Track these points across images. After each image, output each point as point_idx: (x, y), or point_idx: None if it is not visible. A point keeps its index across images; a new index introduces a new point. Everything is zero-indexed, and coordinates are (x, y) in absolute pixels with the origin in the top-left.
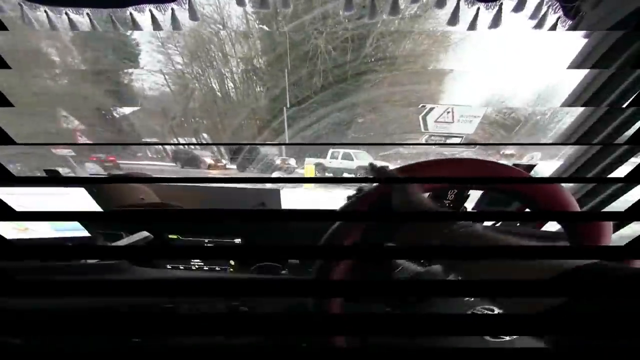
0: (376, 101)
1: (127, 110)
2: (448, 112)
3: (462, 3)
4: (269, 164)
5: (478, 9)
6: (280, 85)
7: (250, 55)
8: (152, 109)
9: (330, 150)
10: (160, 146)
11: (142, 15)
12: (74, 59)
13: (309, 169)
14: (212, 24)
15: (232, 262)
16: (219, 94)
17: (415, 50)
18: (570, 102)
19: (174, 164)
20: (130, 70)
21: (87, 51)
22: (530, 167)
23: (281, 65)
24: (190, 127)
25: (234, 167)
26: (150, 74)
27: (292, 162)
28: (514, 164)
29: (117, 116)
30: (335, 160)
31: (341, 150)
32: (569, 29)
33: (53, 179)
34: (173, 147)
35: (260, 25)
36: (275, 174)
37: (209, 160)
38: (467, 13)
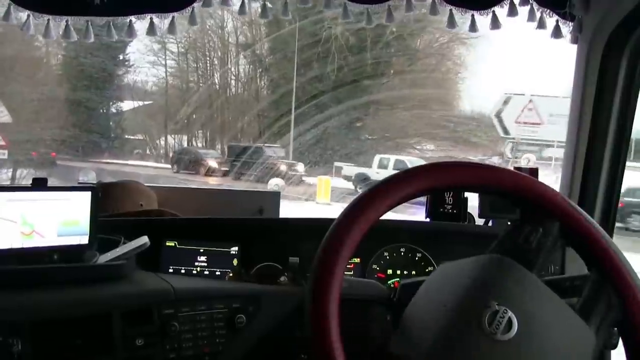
0: (395, 97)
1: (120, 105)
2: (530, 109)
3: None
4: (271, 169)
5: (473, 15)
6: (288, 78)
7: (254, 43)
8: (148, 104)
9: (378, 157)
10: (158, 145)
11: (141, 22)
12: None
13: (323, 182)
14: (212, 10)
15: (234, 263)
16: (217, 87)
17: (435, 42)
18: (575, 102)
19: (169, 166)
20: (123, 61)
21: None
22: (534, 171)
23: (289, 55)
24: (186, 125)
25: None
26: (145, 66)
27: (300, 167)
28: (515, 168)
29: (109, 112)
30: (384, 170)
31: (392, 157)
32: (572, 30)
33: None
34: (173, 147)
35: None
36: (273, 181)
37: (212, 164)
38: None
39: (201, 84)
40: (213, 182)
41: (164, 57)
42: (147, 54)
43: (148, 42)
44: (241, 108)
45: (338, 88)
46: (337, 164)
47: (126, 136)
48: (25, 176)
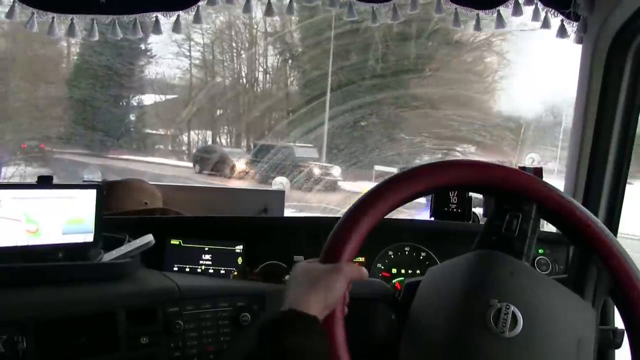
0: (433, 94)
1: (141, 98)
2: None
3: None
4: (303, 172)
5: (478, 14)
6: (321, 70)
7: (284, 32)
8: (171, 98)
9: None
10: (180, 141)
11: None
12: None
13: None
14: None
15: (238, 262)
16: (244, 80)
17: (477, 37)
18: (580, 102)
19: (190, 165)
20: (144, 51)
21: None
22: (538, 170)
23: (324, 44)
24: (211, 120)
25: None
26: (168, 57)
27: (336, 171)
28: (520, 167)
29: (129, 105)
30: None
31: None
32: (577, 30)
33: None
34: (196, 143)
35: None
36: (278, 179)
37: (239, 164)
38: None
39: (227, 77)
40: (241, 183)
41: (188, 48)
42: (170, 45)
43: (174, 34)
44: (269, 102)
45: (377, 81)
46: (377, 167)
47: (147, 130)
48: (13, 176)
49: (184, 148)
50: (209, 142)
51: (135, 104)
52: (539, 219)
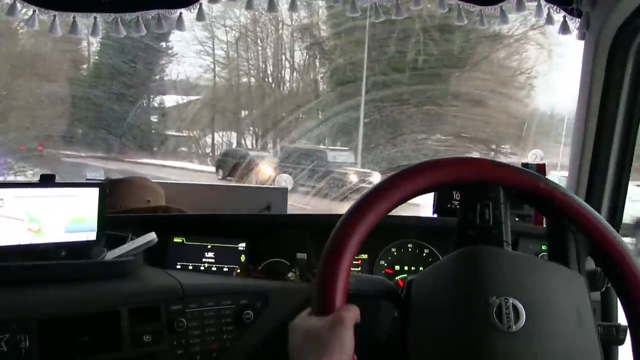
0: (474, 91)
1: (163, 98)
2: None
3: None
4: (339, 179)
5: (481, 10)
6: (355, 64)
7: (312, 24)
8: (194, 98)
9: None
10: (204, 143)
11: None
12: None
13: None
14: None
15: (241, 259)
16: (270, 78)
17: (516, 29)
18: (582, 99)
19: (213, 170)
20: (166, 49)
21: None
22: (541, 167)
23: (357, 36)
24: (234, 119)
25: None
26: (191, 55)
27: (375, 178)
28: (523, 164)
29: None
30: None
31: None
32: (580, 26)
33: None
34: (220, 146)
35: None
36: (282, 177)
37: (266, 170)
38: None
39: (252, 75)
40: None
41: (211, 46)
42: (193, 42)
43: (198, 31)
44: (297, 101)
45: (416, 76)
46: None
47: (168, 132)
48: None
49: (207, 150)
50: (234, 145)
51: (156, 104)
52: (508, 202)
